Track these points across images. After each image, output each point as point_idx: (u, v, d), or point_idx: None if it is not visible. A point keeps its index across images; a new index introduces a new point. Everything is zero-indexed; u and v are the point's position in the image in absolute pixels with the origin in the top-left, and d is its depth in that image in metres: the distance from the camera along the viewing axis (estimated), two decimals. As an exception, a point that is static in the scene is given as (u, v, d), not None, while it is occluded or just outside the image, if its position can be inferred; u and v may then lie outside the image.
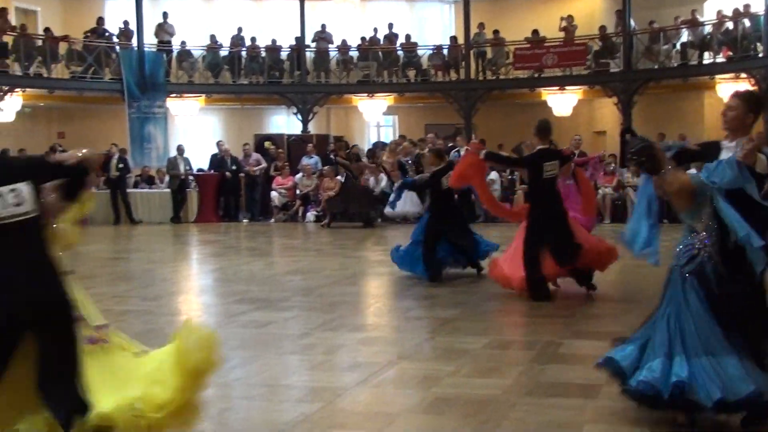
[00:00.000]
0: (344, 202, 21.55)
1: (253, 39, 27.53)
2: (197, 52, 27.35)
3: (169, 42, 27.02)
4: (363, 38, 28.03)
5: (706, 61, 24.75)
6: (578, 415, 5.64)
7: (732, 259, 5.15)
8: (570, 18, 26.41)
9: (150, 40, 26.66)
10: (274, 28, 28.18)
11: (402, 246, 12.01)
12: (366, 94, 27.85)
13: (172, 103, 26.80)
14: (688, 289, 5.21)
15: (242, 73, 27.44)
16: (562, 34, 26.26)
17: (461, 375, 6.75)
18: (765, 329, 5.24)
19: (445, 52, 27.63)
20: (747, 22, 23.56)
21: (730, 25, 24.03)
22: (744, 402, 4.97)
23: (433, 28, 30.23)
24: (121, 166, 23.41)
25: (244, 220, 23.43)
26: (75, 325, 4.20)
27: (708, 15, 25.61)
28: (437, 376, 6.67)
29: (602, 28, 25.98)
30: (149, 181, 25.10)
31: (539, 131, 10.25)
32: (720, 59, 24.29)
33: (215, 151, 24.45)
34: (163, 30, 26.81)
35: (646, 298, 10.15)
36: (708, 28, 24.64)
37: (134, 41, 26.35)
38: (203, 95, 27.56)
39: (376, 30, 28.17)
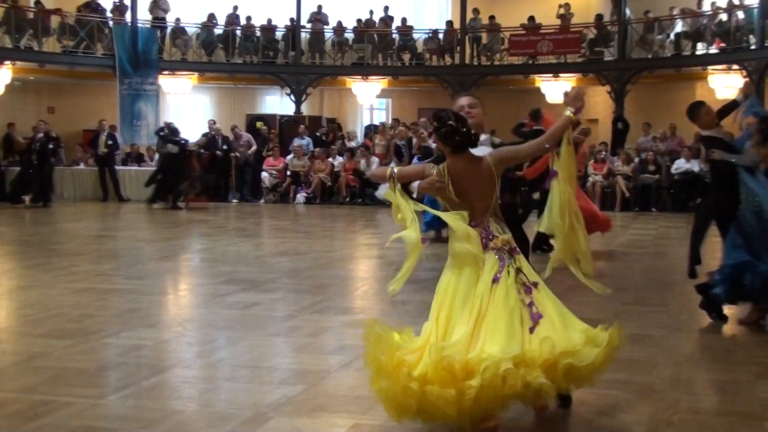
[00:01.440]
0: None
1: (248, 18, 27.44)
2: (191, 30, 27.23)
3: (164, 19, 26.88)
4: (359, 20, 27.97)
5: (699, 52, 24.78)
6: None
7: None
8: (567, 6, 26.37)
9: (144, 16, 26.51)
10: (270, 7, 28.09)
11: None
12: (360, 77, 27.79)
13: (164, 81, 26.70)
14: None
15: (236, 52, 27.37)
16: (557, 22, 26.24)
17: (445, 360, 6.74)
18: None
19: (441, 36, 27.58)
20: (741, 14, 23.59)
21: (724, 16, 24.04)
22: None
23: (429, 12, 30.17)
24: (110, 143, 23.29)
25: (234, 201, 23.37)
26: None
27: (703, 6, 25.59)
28: (421, 360, 6.66)
29: (598, 16, 25.96)
30: (138, 158, 25.00)
31: (533, 116, 10.39)
32: (713, 50, 24.32)
33: (206, 130, 24.35)
34: (158, 6, 26.67)
35: (632, 285, 10.21)
36: (702, 20, 24.64)
37: (128, 17, 26.20)
38: (196, 73, 27.46)
39: (371, 12, 28.10)
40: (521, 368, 4.54)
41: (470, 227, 4.97)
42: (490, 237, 5.02)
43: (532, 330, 4.75)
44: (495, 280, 4.87)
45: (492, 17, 27.07)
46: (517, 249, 5.07)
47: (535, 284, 4.94)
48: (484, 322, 4.78)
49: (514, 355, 4.57)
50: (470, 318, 4.85)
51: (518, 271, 4.94)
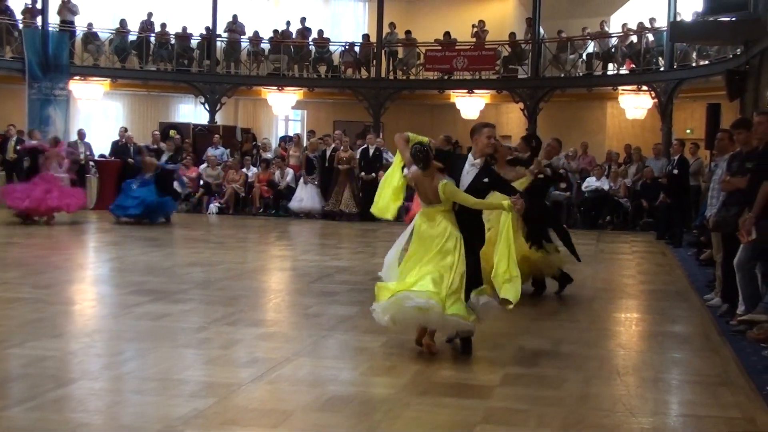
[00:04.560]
0: None
1: (163, 25, 27.12)
2: (104, 35, 26.79)
3: (72, 22, 26.33)
4: (275, 31, 27.86)
5: (610, 72, 25.33)
6: (472, 416, 5.67)
7: None
8: (482, 23, 26.68)
9: (55, 19, 25.97)
10: (185, 15, 27.81)
11: None
12: (276, 88, 27.68)
13: (76, 86, 26.19)
14: None
15: (150, 59, 26.99)
16: (472, 39, 26.52)
17: (358, 373, 6.75)
18: None
19: (357, 49, 27.65)
20: (650, 37, 24.18)
21: (634, 38, 24.63)
22: None
23: (346, 25, 30.26)
24: (18, 148, 22.72)
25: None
26: None
27: (614, 28, 26.18)
28: (334, 373, 6.66)
29: (512, 34, 26.32)
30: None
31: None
32: (623, 71, 24.88)
33: (117, 137, 23.90)
34: (66, 8, 26.07)
35: (542, 301, 10.35)
36: (614, 41, 25.20)
37: (39, 20, 25.64)
38: (108, 79, 26.96)
39: (288, 23, 28.03)
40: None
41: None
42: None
43: None
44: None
45: (408, 32, 27.24)
46: None
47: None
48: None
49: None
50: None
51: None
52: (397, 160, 7.74)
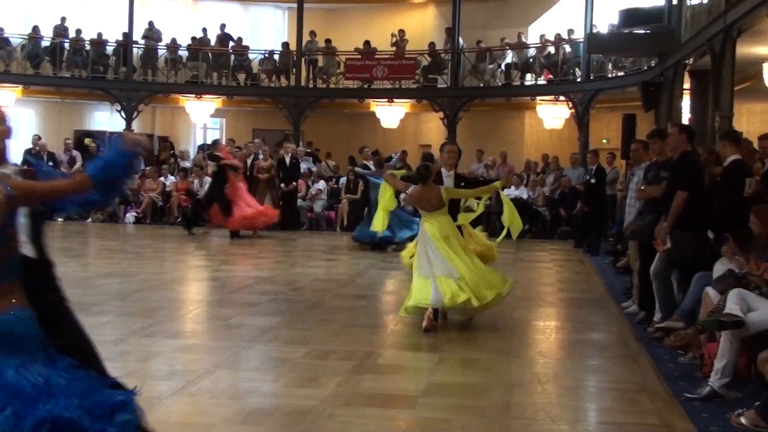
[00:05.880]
0: None
1: (78, 31, 26.60)
2: (16, 41, 26.17)
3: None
4: (193, 38, 27.55)
5: (528, 83, 25.64)
6: (396, 426, 5.65)
7: None
8: (401, 32, 26.78)
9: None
10: (101, 21, 27.33)
11: None
12: (194, 95, 27.36)
13: (-14, 93, 25.53)
14: None
15: (64, 66, 26.46)
16: (392, 47, 26.61)
17: (280, 384, 6.68)
18: None
19: (277, 57, 27.51)
20: (568, 48, 24.56)
21: (552, 49, 24.99)
22: None
23: (265, 32, 30.08)
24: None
25: (59, 219, 22.48)
26: None
27: (532, 39, 26.52)
28: (255, 385, 6.59)
29: (432, 44, 26.47)
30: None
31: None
32: (541, 81, 25.22)
33: (30, 145, 23.35)
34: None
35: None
36: (532, 52, 25.53)
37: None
38: (20, 86, 26.32)
39: (205, 30, 27.75)
40: None
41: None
42: None
43: None
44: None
45: (328, 41, 27.20)
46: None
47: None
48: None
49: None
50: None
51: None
52: (384, 189, 9.90)
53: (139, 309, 9.74)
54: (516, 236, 9.71)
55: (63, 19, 26.71)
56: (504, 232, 9.71)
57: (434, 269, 8.70)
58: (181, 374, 6.73)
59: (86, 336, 4.55)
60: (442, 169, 9.50)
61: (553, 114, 25.22)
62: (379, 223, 10.06)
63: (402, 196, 9.79)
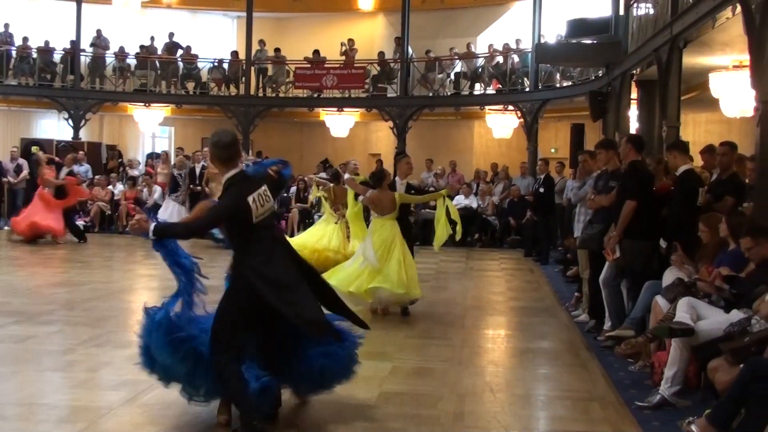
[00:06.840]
0: None
1: (24, 38, 26.24)
2: (-40, 48, 25.77)
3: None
4: (142, 46, 27.33)
5: (477, 92, 25.79)
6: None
7: None
8: (351, 41, 26.82)
9: None
10: (48, 28, 26.98)
11: None
12: (142, 104, 27.14)
13: (-71, 101, 25.07)
14: None
15: (10, 73, 26.09)
16: (342, 56, 26.64)
17: (232, 395, 6.62)
18: None
19: (226, 66, 27.39)
20: (516, 58, 24.77)
21: (500, 59, 25.17)
22: None
23: (214, 40, 29.86)
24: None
25: (5, 227, 22.15)
26: None
27: (481, 48, 26.69)
28: (207, 396, 6.52)
29: (381, 53, 26.54)
30: None
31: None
32: (490, 91, 25.38)
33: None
34: None
35: (414, 319, 10.39)
36: (480, 61, 25.69)
37: None
38: (-35, 94, 25.93)
39: (153, 38, 27.54)
40: None
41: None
42: None
43: None
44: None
45: (278, 49, 27.15)
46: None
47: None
48: None
49: None
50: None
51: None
52: (350, 195, 11.75)
53: (88, 318, 9.63)
54: (439, 246, 10.81)
55: (6, 26, 26.36)
56: (442, 239, 10.59)
57: (367, 262, 10.00)
58: (131, 384, 6.66)
59: None
60: (396, 178, 10.92)
61: (502, 123, 25.38)
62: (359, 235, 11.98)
63: (360, 197, 11.09)
